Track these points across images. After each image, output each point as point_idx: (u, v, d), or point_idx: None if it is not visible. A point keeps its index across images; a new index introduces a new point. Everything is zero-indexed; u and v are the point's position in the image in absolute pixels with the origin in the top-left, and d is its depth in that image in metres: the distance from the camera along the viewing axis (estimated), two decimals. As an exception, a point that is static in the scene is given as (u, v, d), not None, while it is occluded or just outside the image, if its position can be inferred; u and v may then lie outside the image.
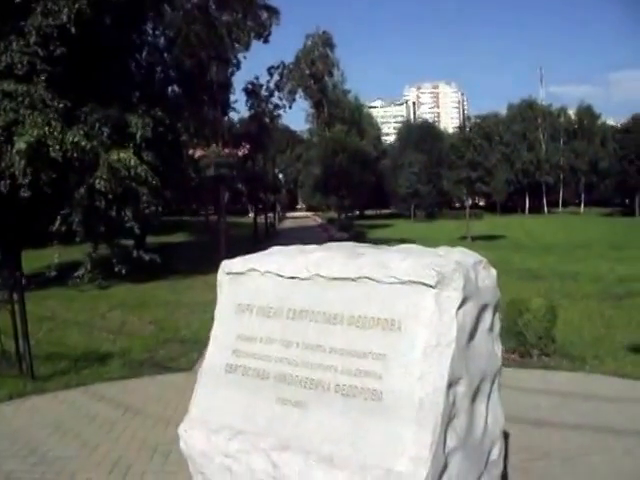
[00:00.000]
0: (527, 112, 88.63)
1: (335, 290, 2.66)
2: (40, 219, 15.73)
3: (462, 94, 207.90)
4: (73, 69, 14.27)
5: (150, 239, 21.58)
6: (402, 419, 2.30)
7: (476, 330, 2.60)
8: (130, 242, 17.58)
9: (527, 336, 7.81)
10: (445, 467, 2.36)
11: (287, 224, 62.96)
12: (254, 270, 3.00)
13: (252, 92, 30.22)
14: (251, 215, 45.01)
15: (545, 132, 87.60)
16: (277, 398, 2.69)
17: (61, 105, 13.82)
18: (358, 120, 67.24)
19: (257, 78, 30.19)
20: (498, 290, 2.85)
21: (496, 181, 48.24)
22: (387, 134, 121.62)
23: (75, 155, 13.79)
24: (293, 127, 77.09)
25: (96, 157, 14.29)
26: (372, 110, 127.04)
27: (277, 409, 2.67)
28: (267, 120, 30.73)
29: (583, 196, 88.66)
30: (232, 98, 27.82)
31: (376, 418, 2.36)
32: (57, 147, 13.44)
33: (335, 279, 2.66)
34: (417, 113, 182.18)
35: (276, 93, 30.79)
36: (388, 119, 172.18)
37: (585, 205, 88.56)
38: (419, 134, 70.80)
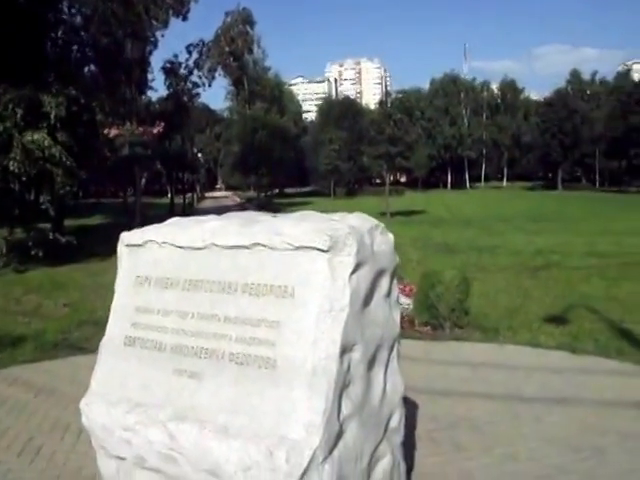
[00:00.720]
0: (450, 87, 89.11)
1: (230, 259, 2.59)
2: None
3: (385, 70, 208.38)
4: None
5: (68, 222, 21.08)
6: (295, 386, 2.27)
7: (372, 296, 2.58)
8: (47, 225, 17.14)
9: (439, 308, 7.76)
10: (341, 434, 2.35)
11: (206, 204, 61.90)
12: (152, 241, 2.92)
13: (170, 71, 29.61)
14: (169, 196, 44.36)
15: (468, 107, 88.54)
16: (174, 369, 2.62)
17: (-29, 87, 13.12)
18: (279, 97, 67.02)
19: (176, 56, 29.56)
20: (396, 256, 2.83)
21: (417, 156, 48.99)
22: (308, 111, 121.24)
23: (-13, 137, 13.12)
24: (213, 106, 76.12)
25: (10, 138, 13.81)
26: (293, 87, 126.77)
27: (174, 380, 2.61)
28: (185, 99, 30.23)
29: (506, 170, 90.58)
30: (150, 77, 27.27)
31: (270, 386, 2.33)
32: None
33: (230, 247, 2.59)
34: (339, 90, 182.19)
35: (195, 71, 30.28)
36: (310, 96, 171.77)
37: (508, 179, 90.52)
38: (340, 110, 70.62)
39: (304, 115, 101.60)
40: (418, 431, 4.62)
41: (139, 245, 2.98)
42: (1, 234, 15.59)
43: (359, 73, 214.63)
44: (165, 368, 2.67)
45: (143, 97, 27.39)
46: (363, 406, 2.52)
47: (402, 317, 7.92)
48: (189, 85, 30.41)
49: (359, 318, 2.44)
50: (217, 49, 31.35)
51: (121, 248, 3.09)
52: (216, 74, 32.13)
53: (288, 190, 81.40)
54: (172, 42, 28.09)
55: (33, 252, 14.78)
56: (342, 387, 2.35)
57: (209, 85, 31.35)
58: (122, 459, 2.76)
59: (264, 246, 2.50)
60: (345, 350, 2.35)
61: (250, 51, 32.21)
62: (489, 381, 5.77)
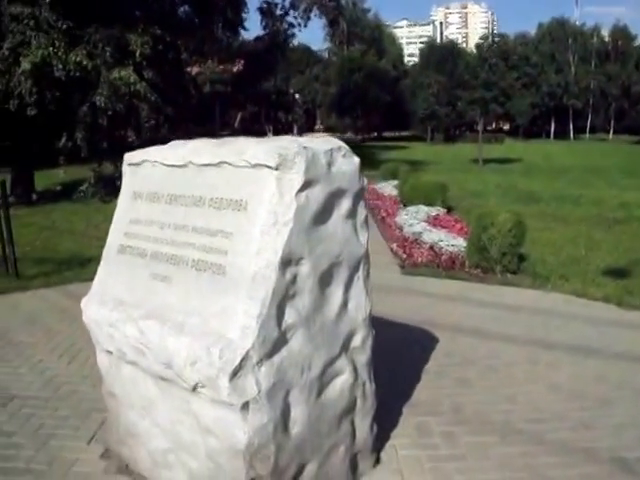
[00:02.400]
0: (557, 32, 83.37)
1: (202, 175, 2.82)
2: (47, 137, 16.36)
3: (492, 14, 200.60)
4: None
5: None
6: (239, 292, 2.48)
7: (328, 214, 2.72)
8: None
9: (490, 251, 7.72)
10: (284, 341, 2.55)
11: (302, 144, 62.62)
12: (146, 161, 3.19)
13: (267, 11, 29.60)
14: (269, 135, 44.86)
15: (576, 54, 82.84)
16: (150, 274, 2.91)
17: (65, 26, 14.01)
18: (378, 39, 65.71)
19: (272, -4, 29.45)
20: (362, 179, 2.93)
21: (516, 103, 46.73)
22: (412, 55, 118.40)
23: (78, 74, 14.09)
24: (313, 47, 75.53)
25: (98, 76, 14.56)
26: (397, 30, 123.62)
27: (149, 284, 2.90)
28: (281, 39, 30.22)
29: (613, 122, 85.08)
30: (245, 17, 27.40)
31: (220, 290, 2.55)
32: (60, 67, 13.76)
33: (202, 165, 2.81)
34: (445, 34, 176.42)
35: (291, 12, 30.12)
36: (414, 40, 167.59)
37: (615, 132, 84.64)
38: (441, 54, 68.58)
39: (407, 59, 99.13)
40: (429, 365, 4.80)
41: (137, 164, 3.26)
42: (91, 167, 16.58)
43: (465, 17, 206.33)
44: (144, 273, 2.97)
45: (236, 37, 27.59)
46: (313, 319, 2.69)
47: (454, 257, 8.06)
48: (285, 25, 30.31)
49: (308, 233, 2.60)
50: (312, -12, 30.86)
51: (124, 167, 3.39)
52: (312, 14, 31.71)
53: (387, 134, 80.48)
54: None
55: (118, 184, 15.69)
56: (284, 296, 2.53)
57: (304, 25, 31.05)
58: (110, 353, 3.10)
59: (229, 164, 2.70)
60: (289, 262, 2.52)
61: (346, -9, 31.25)
62: (520, 325, 5.83)
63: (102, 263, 3.30)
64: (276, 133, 55.32)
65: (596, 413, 3.97)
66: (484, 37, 38.87)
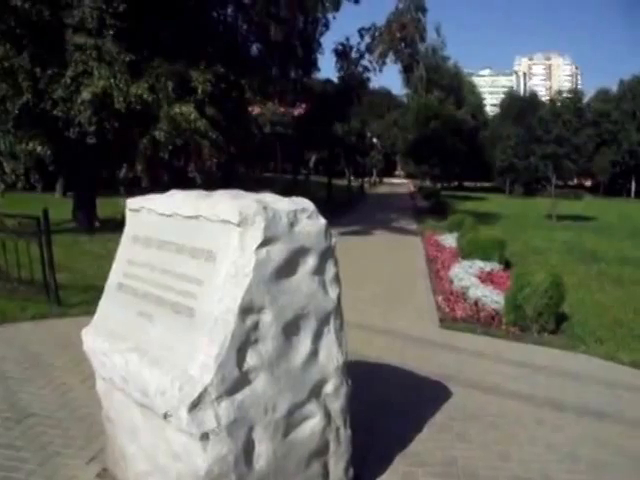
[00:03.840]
0: (639, 89, 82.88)
1: (184, 225, 3.23)
2: (108, 166, 17.16)
3: (576, 67, 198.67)
4: (140, 25, 15.24)
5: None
6: (203, 333, 2.85)
7: (292, 270, 3.07)
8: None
9: (526, 310, 7.84)
10: (246, 381, 2.89)
11: (380, 190, 63.18)
12: (144, 208, 3.64)
13: (342, 53, 30.36)
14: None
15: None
16: (139, 311, 3.33)
17: (127, 59, 14.80)
18: (457, 88, 65.90)
19: (347, 39, 30.28)
20: (330, 238, 3.27)
21: (598, 160, 45.56)
22: (494, 105, 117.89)
23: (138, 107, 14.78)
24: (395, 91, 76.44)
25: (158, 110, 15.28)
26: (479, 79, 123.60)
27: (137, 320, 3.31)
28: (356, 83, 30.85)
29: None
30: (319, 58, 28.20)
31: (189, 331, 2.93)
32: (121, 99, 14.45)
33: (186, 217, 3.22)
34: (528, 85, 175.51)
35: (366, 55, 30.77)
36: (497, 89, 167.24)
37: None
38: (520, 106, 68.21)
39: (489, 108, 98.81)
40: (434, 418, 4.99)
41: (137, 210, 3.74)
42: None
43: (549, 68, 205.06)
44: (135, 310, 3.41)
45: (309, 77, 28.28)
46: (277, 363, 3.05)
47: (494, 314, 8.07)
48: (360, 69, 30.90)
49: (269, 285, 2.97)
50: (388, 34, 31.42)
51: (127, 211, 3.86)
52: (387, 59, 32.27)
53: (468, 183, 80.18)
54: (344, 25, 28.53)
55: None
56: (245, 341, 2.91)
57: (380, 70, 31.59)
58: (104, 379, 3.47)
59: (204, 217, 3.12)
60: (249, 310, 2.90)
61: (422, 38, 31.92)
62: (538, 385, 5.95)
63: (103, 298, 3.79)
64: (356, 176, 56.02)
65: (584, 477, 4.07)
66: (558, 92, 38.49)
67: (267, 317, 2.93)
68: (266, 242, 2.91)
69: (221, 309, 2.81)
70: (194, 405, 2.73)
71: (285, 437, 3.08)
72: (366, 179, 62.89)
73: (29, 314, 7.68)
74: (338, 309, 3.31)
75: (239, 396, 2.86)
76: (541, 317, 7.83)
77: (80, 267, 10.40)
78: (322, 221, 3.22)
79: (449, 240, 15.61)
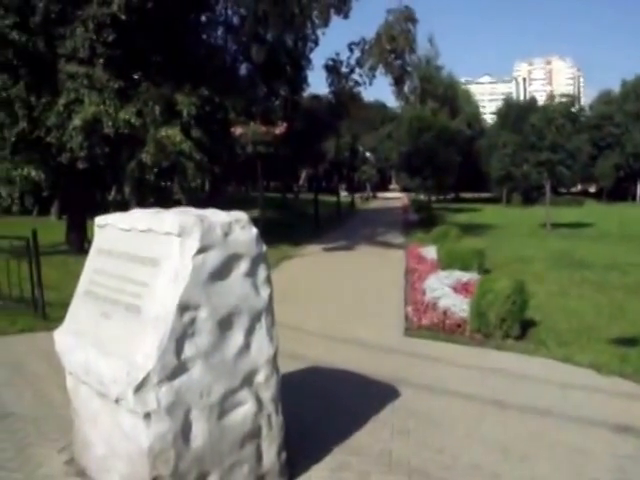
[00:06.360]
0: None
1: (138, 238, 3.84)
2: (98, 189, 18.09)
3: (578, 70, 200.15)
4: (130, 52, 16.22)
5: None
6: (147, 328, 3.45)
7: (227, 273, 3.67)
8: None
9: (489, 317, 8.20)
10: (184, 369, 3.48)
11: (373, 205, 63.77)
12: (108, 224, 4.27)
13: (333, 68, 31.09)
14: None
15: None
16: (99, 312, 3.93)
17: (116, 85, 15.83)
18: (452, 98, 66.81)
19: (337, 54, 31.05)
20: (261, 245, 3.88)
21: (600, 165, 45.32)
22: (494, 113, 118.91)
23: (126, 131, 15.76)
24: (389, 104, 77.05)
25: (145, 133, 16.23)
26: (479, 87, 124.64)
27: (99, 320, 3.91)
28: (346, 98, 31.56)
29: None
30: (308, 75, 28.98)
31: (137, 326, 3.53)
32: (110, 124, 15.43)
33: (140, 230, 3.83)
34: (528, 90, 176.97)
35: (357, 69, 31.52)
36: (497, 97, 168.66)
37: None
38: (518, 112, 68.86)
39: (488, 116, 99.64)
40: (378, 416, 5.46)
41: (103, 226, 4.35)
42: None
43: (550, 73, 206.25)
44: (97, 311, 4.02)
45: (298, 95, 29.03)
46: (212, 354, 3.63)
47: (460, 322, 8.61)
48: (350, 83, 31.64)
49: (204, 287, 3.57)
50: (378, 47, 32.25)
51: (95, 228, 4.47)
52: (377, 72, 33.04)
53: (465, 195, 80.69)
54: (332, 40, 29.35)
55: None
56: (183, 334, 3.49)
57: (369, 84, 32.37)
58: (71, 374, 4.14)
59: (153, 231, 3.74)
60: (186, 308, 3.49)
61: (412, 50, 32.77)
62: (486, 386, 6.33)
63: (72, 302, 4.40)
64: (350, 192, 56.70)
65: (512, 466, 4.51)
66: (551, 97, 39.20)
67: (203, 314, 3.51)
68: (202, 250, 3.50)
69: (162, 307, 3.40)
70: (138, 388, 3.31)
71: (220, 420, 3.64)
72: (358, 194, 63.52)
73: (17, 328, 8.52)
74: (269, 307, 3.90)
75: (177, 382, 3.43)
76: (504, 323, 8.17)
77: (68, 286, 10.97)
78: (254, 230, 3.83)
79: (431, 252, 15.84)
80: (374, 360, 7.28)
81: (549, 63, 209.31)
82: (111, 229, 4.21)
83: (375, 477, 4.30)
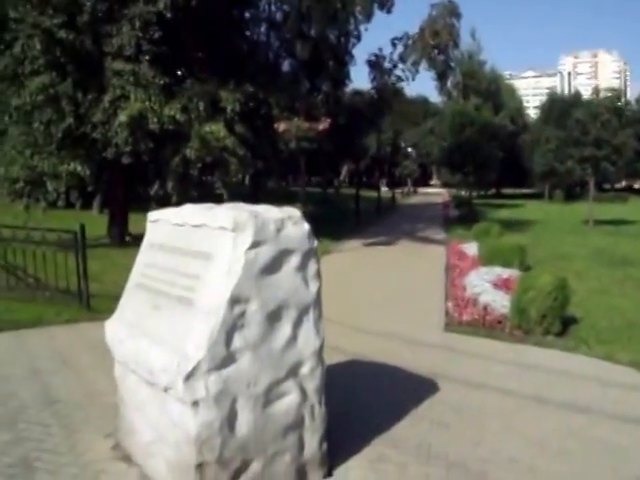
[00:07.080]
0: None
1: (191, 232, 3.98)
2: (139, 184, 18.52)
3: (625, 63, 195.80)
4: (175, 49, 16.62)
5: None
6: (198, 319, 3.58)
7: (278, 267, 3.78)
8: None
9: (530, 313, 8.26)
10: (232, 359, 3.59)
11: (413, 200, 63.70)
12: (160, 219, 4.43)
13: (375, 64, 31.07)
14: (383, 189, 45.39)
15: None
16: (152, 304, 4.08)
17: (162, 82, 16.18)
18: (495, 93, 66.06)
19: (380, 50, 31.03)
20: (312, 241, 3.98)
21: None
22: (538, 107, 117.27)
23: (171, 127, 16.13)
24: (433, 99, 76.56)
25: (190, 129, 16.55)
26: (523, 81, 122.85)
27: (149, 311, 4.08)
28: (389, 93, 31.51)
29: None
30: (352, 70, 29.08)
31: (189, 317, 3.65)
32: (155, 120, 15.81)
33: (193, 226, 3.97)
34: (573, 84, 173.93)
35: (399, 65, 31.45)
36: (541, 90, 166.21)
37: None
38: (562, 107, 67.75)
39: (532, 111, 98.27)
40: (417, 410, 5.55)
41: (155, 221, 4.51)
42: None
43: (595, 66, 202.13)
44: (148, 303, 4.17)
45: (341, 90, 29.11)
46: (260, 346, 3.74)
47: (500, 318, 8.63)
48: (393, 79, 31.57)
49: (256, 280, 3.67)
50: (421, 42, 32.15)
51: (147, 223, 4.64)
52: (420, 67, 32.91)
53: (507, 191, 79.83)
54: (375, 35, 29.37)
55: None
56: (233, 326, 3.60)
57: (412, 79, 32.25)
58: (120, 363, 4.29)
59: (207, 225, 3.87)
60: (237, 300, 3.60)
61: (456, 44, 32.59)
62: (525, 382, 6.41)
63: (124, 294, 4.57)
64: (391, 187, 56.62)
65: (549, 461, 4.56)
66: (595, 91, 38.33)
67: (253, 307, 3.63)
68: (255, 245, 3.62)
69: (214, 299, 3.52)
70: (188, 377, 3.43)
71: (264, 409, 3.75)
72: (399, 190, 63.32)
73: (63, 318, 8.81)
74: (318, 301, 4.00)
75: (225, 372, 3.55)
76: (545, 319, 8.23)
77: (110, 278, 11.37)
78: (306, 226, 3.94)
79: (473, 249, 15.97)
80: (414, 354, 7.39)
81: (595, 56, 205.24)
82: (163, 224, 4.37)
83: (413, 469, 4.38)
